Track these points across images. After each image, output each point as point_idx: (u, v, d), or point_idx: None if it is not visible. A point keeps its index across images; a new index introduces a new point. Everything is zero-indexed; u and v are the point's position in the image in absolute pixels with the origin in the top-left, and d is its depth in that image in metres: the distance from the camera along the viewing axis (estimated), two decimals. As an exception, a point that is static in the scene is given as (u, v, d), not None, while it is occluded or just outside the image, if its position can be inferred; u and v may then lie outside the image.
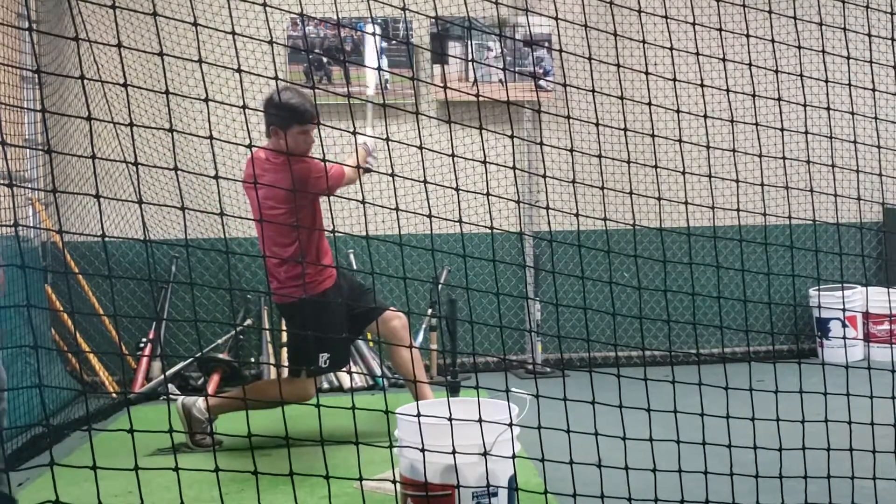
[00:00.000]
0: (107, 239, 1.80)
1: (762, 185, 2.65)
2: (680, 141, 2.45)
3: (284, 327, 5.15)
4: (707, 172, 2.54)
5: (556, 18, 2.42)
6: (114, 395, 4.71)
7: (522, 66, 5.62)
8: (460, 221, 2.09)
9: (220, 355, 5.07)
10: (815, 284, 5.68)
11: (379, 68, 5.39)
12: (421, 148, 2.02)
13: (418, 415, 2.13)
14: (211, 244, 5.20)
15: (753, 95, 2.61)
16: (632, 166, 2.59)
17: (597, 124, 2.29)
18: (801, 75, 2.64)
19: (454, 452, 2.09)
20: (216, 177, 1.93)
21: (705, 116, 2.53)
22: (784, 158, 2.63)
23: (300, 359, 3.63)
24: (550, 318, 5.60)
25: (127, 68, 4.91)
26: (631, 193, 2.24)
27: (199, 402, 3.65)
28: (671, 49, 2.47)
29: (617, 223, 2.64)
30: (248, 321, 5.42)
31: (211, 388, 4.74)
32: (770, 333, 5.74)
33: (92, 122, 1.75)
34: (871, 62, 2.78)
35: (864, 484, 2.48)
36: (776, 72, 2.63)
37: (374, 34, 3.39)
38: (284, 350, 5.31)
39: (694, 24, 2.49)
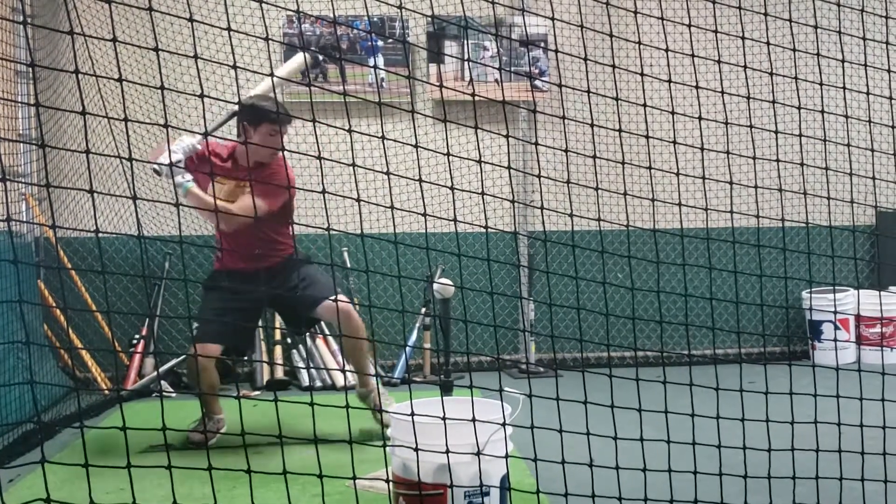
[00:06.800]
0: (100, 235, 1.79)
1: (756, 187, 2.66)
2: (674, 142, 2.46)
3: (277, 324, 5.16)
4: (701, 174, 2.55)
5: (553, 19, 2.42)
6: (106, 391, 4.70)
7: (518, 66, 5.62)
8: (455, 220, 2.09)
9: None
10: (808, 287, 5.70)
11: (375, 66, 5.39)
12: (416, 147, 2.02)
13: (412, 414, 2.13)
14: (204, 241, 5.19)
15: (748, 98, 2.62)
16: (626, 167, 2.59)
17: (591, 125, 2.29)
18: (796, 78, 2.64)
19: (447, 452, 2.10)
20: (211, 173, 1.92)
21: (700, 118, 2.54)
22: (778, 161, 2.63)
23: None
24: (544, 318, 5.61)
25: (122, 64, 4.89)
26: (625, 194, 2.24)
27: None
28: (667, 50, 2.48)
29: (611, 224, 2.65)
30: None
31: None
32: (762, 335, 5.76)
33: (86, 117, 1.74)
34: (865, 65, 2.79)
35: (853, 485, 2.49)
36: (771, 74, 2.64)
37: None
38: (277, 347, 5.31)
39: (690, 25, 2.49)
